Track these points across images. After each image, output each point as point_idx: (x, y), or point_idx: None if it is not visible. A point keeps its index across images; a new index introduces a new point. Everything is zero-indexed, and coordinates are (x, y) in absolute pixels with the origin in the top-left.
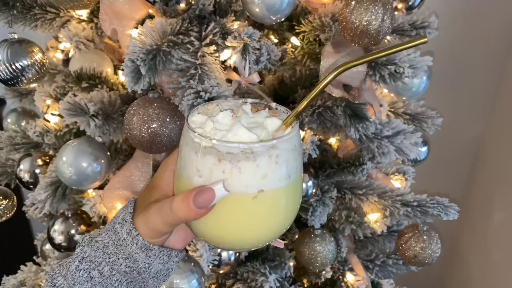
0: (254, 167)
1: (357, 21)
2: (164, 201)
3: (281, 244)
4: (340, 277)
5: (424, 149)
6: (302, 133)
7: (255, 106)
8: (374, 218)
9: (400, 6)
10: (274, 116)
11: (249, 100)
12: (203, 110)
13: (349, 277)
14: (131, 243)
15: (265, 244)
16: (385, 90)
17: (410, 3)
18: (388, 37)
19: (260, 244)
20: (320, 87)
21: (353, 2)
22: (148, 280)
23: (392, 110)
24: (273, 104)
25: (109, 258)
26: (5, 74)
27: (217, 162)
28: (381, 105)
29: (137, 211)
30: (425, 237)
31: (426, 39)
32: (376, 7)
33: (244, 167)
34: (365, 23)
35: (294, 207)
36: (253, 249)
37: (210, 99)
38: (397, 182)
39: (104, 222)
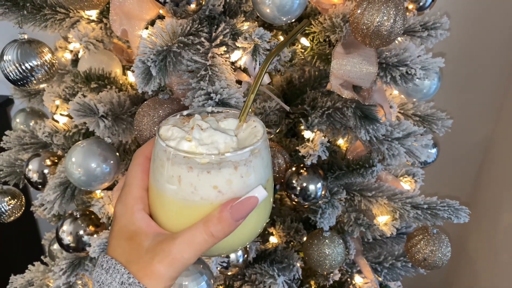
0: (261, 160)
1: (368, 22)
2: (189, 232)
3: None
4: (349, 279)
5: (434, 151)
6: (311, 135)
7: (189, 117)
8: (384, 220)
9: (411, 6)
10: (228, 117)
11: (184, 112)
12: (163, 136)
13: (358, 280)
14: None
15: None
16: (395, 92)
17: (421, 3)
18: (399, 38)
19: (245, 244)
20: (260, 80)
21: (364, 3)
22: None
23: (402, 111)
24: (209, 109)
25: None
26: (14, 74)
27: (234, 170)
28: (391, 107)
29: (133, 265)
30: (435, 240)
31: (309, 22)
32: (388, 8)
33: (255, 165)
34: (376, 24)
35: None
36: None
37: (221, 101)
38: (406, 184)
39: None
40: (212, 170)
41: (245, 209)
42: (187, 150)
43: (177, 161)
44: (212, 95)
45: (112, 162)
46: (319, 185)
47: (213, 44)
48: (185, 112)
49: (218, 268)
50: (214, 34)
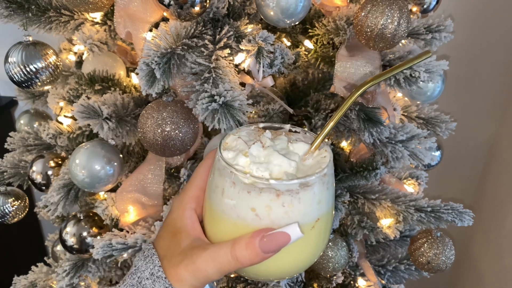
0: (311, 196)
1: (372, 25)
2: (217, 248)
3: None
4: (352, 282)
5: (438, 153)
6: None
7: (272, 131)
8: (387, 223)
9: (415, 9)
10: (299, 140)
11: (261, 125)
12: (223, 146)
13: (361, 282)
14: None
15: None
16: (399, 94)
17: (425, 6)
18: (403, 41)
19: (307, 267)
20: (345, 108)
21: (368, 6)
22: None
23: (406, 114)
24: (287, 126)
25: None
26: (19, 76)
27: (275, 198)
28: (394, 109)
29: (166, 260)
30: (438, 243)
31: (430, 54)
32: (392, 11)
33: (303, 198)
34: (380, 27)
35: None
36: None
37: (224, 103)
38: (410, 187)
39: (116, 225)
40: (252, 192)
41: (275, 243)
42: (235, 164)
43: (224, 173)
44: (215, 97)
45: (115, 164)
46: None
47: (217, 46)
48: (261, 124)
49: None
50: (218, 36)
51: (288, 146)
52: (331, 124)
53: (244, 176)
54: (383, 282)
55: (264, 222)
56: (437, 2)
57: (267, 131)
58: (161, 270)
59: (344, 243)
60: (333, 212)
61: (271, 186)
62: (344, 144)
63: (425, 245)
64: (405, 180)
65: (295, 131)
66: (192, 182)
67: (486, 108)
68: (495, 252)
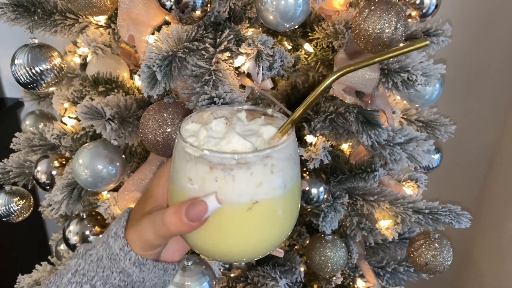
0: (248, 175)
1: (370, 29)
2: (157, 213)
3: (280, 253)
4: (351, 283)
5: (437, 156)
6: (314, 139)
7: (251, 113)
8: (386, 224)
9: (414, 13)
10: (270, 124)
11: (245, 106)
12: (197, 118)
13: (360, 284)
14: (124, 258)
15: (264, 255)
16: (399, 97)
17: (424, 10)
18: (401, 45)
19: (258, 256)
20: (316, 93)
21: (366, 10)
22: None
23: (405, 117)
24: (269, 111)
25: (102, 272)
26: (25, 78)
27: (208, 170)
28: (393, 112)
29: (130, 223)
30: (436, 244)
31: (427, 42)
32: (390, 15)
33: (237, 176)
34: (378, 31)
35: (292, 217)
36: (251, 260)
37: (224, 105)
38: (409, 189)
39: None
40: (190, 161)
41: (194, 211)
42: (190, 136)
43: (176, 142)
44: (215, 99)
45: (118, 164)
46: (321, 189)
47: (218, 49)
48: (245, 106)
49: (221, 270)
50: (218, 40)
51: (259, 129)
52: (301, 110)
53: (185, 144)
54: (382, 283)
55: (199, 194)
56: (436, 7)
57: (242, 111)
58: (123, 230)
59: (343, 244)
60: (294, 203)
61: (205, 157)
62: (345, 146)
63: (423, 247)
64: (404, 182)
65: (272, 116)
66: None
67: (488, 111)
68: (496, 256)
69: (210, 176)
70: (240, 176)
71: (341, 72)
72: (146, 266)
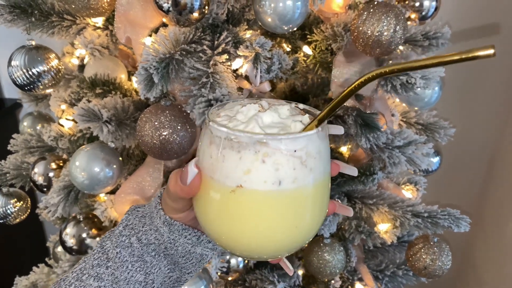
0: (237, 159)
1: (369, 32)
2: (170, 176)
3: (290, 271)
4: (349, 286)
5: (436, 159)
6: None
7: (301, 110)
8: (384, 228)
9: (413, 16)
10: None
11: (301, 105)
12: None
13: (359, 287)
14: (157, 216)
15: (285, 252)
16: (397, 100)
17: (423, 13)
18: (401, 47)
19: (279, 251)
20: (345, 92)
21: (365, 12)
22: (178, 258)
23: (404, 120)
24: (292, 104)
25: (143, 228)
26: (22, 79)
27: (208, 143)
28: (393, 115)
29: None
30: (435, 248)
31: (492, 51)
32: (388, 18)
33: (227, 156)
34: (377, 34)
35: (290, 222)
36: (272, 257)
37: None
38: (408, 192)
39: (115, 226)
40: (211, 139)
41: (184, 174)
42: (216, 116)
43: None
44: (212, 102)
45: (115, 166)
46: None
47: (215, 52)
48: (301, 106)
49: (218, 273)
50: (216, 42)
51: (290, 124)
52: (328, 108)
53: (210, 123)
54: (381, 287)
55: (201, 165)
56: (436, 9)
57: (289, 105)
58: (161, 191)
59: (342, 248)
60: (291, 204)
61: (209, 128)
62: (344, 149)
63: (422, 250)
64: (403, 186)
65: (301, 108)
66: None
67: (488, 114)
68: (496, 259)
69: (207, 150)
70: (228, 157)
71: (373, 74)
72: (174, 227)
